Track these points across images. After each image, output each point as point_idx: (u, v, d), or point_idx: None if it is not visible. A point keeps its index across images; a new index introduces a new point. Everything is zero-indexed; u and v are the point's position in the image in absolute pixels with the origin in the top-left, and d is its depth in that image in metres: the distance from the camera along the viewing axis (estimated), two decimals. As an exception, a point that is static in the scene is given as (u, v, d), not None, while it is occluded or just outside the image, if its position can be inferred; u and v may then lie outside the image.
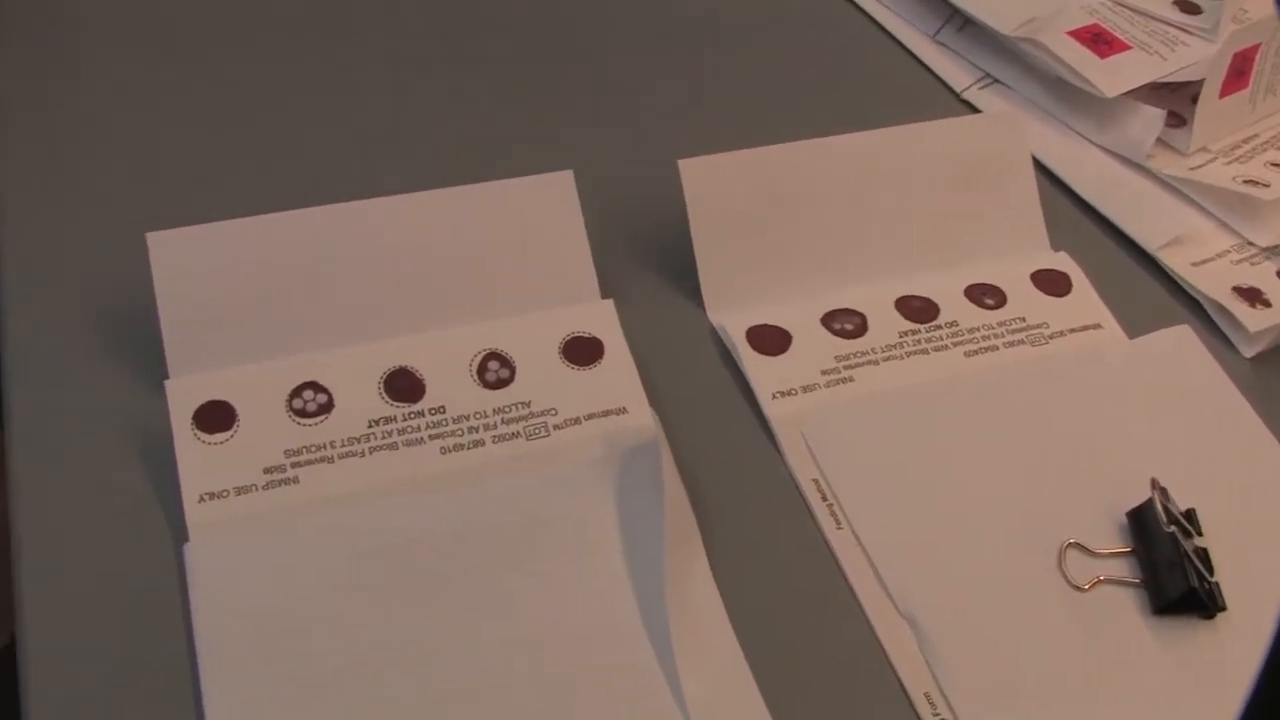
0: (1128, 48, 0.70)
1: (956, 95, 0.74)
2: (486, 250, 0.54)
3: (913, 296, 0.59)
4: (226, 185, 0.62)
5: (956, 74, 0.75)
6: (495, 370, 0.52)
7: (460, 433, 0.51)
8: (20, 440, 0.50)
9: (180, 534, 0.47)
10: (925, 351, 0.57)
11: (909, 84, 0.75)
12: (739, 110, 0.71)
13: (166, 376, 0.50)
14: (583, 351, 0.54)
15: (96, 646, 0.44)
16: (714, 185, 0.57)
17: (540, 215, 0.55)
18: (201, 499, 0.47)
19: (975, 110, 0.73)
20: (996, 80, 0.74)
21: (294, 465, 0.49)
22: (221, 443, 0.49)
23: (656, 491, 0.48)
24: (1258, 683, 0.27)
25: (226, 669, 0.43)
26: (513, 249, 0.54)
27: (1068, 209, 0.67)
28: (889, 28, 0.78)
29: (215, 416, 0.49)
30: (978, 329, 0.58)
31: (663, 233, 0.60)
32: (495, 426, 0.51)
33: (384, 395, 0.51)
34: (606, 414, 0.52)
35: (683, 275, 0.59)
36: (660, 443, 0.49)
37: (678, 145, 0.59)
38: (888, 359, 0.56)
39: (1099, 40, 0.70)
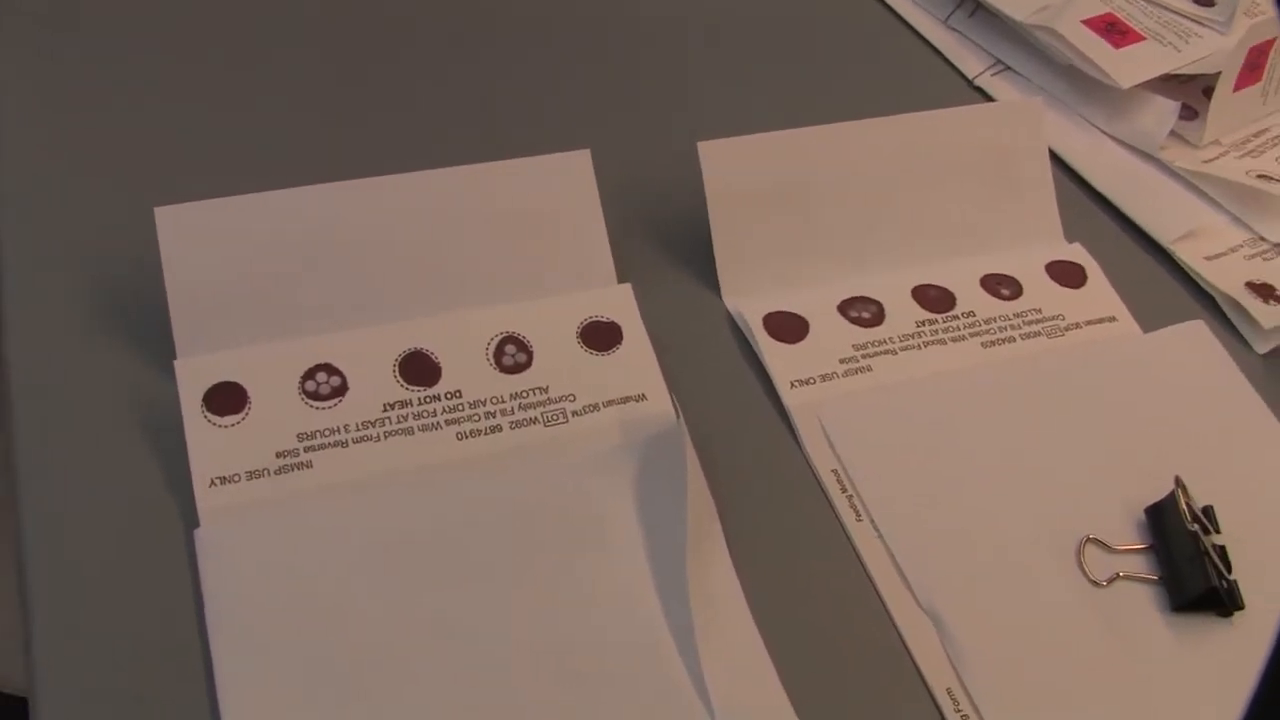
0: (1142, 38, 0.69)
1: (969, 82, 0.73)
2: (501, 231, 0.53)
3: (929, 285, 0.58)
4: (235, 162, 0.60)
5: (968, 60, 0.74)
6: (512, 354, 0.51)
7: (477, 418, 0.50)
8: (24, 424, 0.48)
9: (191, 519, 0.46)
10: (943, 341, 0.56)
11: (920, 69, 0.74)
12: (752, 94, 0.70)
13: (174, 357, 0.49)
14: (601, 336, 0.53)
15: (106, 634, 0.43)
16: (733, 168, 0.56)
17: (556, 195, 0.54)
18: (212, 483, 0.46)
19: (987, 97, 0.72)
20: (1008, 67, 0.74)
21: (307, 449, 0.48)
22: (233, 425, 0.48)
23: (676, 480, 0.47)
24: (1260, 685, 0.27)
25: (240, 655, 0.42)
26: (528, 230, 0.53)
27: (1080, 199, 0.67)
28: (899, 11, 0.77)
29: (226, 398, 0.48)
30: (994, 319, 0.58)
31: (675, 217, 0.60)
32: (512, 412, 0.50)
33: (399, 378, 0.50)
34: (625, 400, 0.51)
35: (695, 260, 0.58)
36: (682, 431, 0.48)
37: (688, 129, 0.58)
38: (905, 348, 0.56)
39: (1113, 29, 0.70)
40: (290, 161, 0.61)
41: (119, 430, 0.49)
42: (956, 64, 0.74)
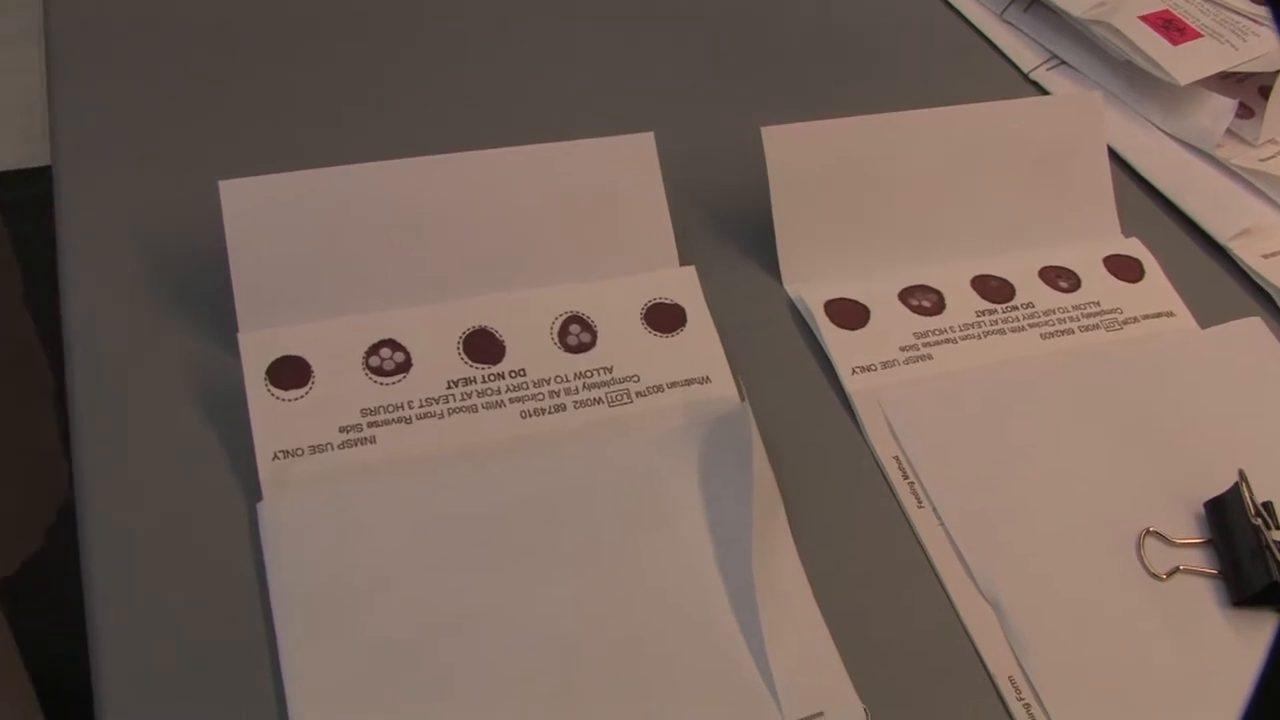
0: (1199, 35, 0.69)
1: (1024, 75, 0.73)
2: (564, 211, 0.53)
3: (989, 276, 0.58)
4: (301, 136, 0.60)
5: (1024, 53, 0.74)
6: (576, 334, 0.51)
7: (541, 396, 0.50)
8: (86, 397, 0.49)
9: (253, 492, 0.46)
10: (1002, 332, 0.56)
11: (976, 62, 0.74)
12: (813, 83, 0.70)
13: (237, 331, 0.49)
14: (665, 318, 0.53)
15: (169, 606, 0.43)
16: (796, 154, 0.56)
17: (620, 177, 0.54)
18: (275, 457, 0.46)
19: (1042, 91, 0.72)
20: (1064, 62, 0.73)
21: (371, 425, 0.48)
22: (296, 399, 0.48)
23: (741, 462, 0.47)
24: (1259, 684, 0.27)
25: (302, 628, 0.42)
26: (592, 210, 0.53)
27: (1135, 195, 0.67)
28: (955, 4, 0.77)
29: (290, 372, 0.48)
30: (1053, 311, 0.58)
31: (735, 201, 0.60)
32: (577, 391, 0.50)
33: (463, 356, 0.50)
34: (689, 383, 0.51)
35: (757, 245, 0.58)
36: (747, 414, 0.48)
37: (748, 116, 0.58)
38: (966, 338, 0.56)
39: (1170, 26, 0.69)
40: (354, 138, 0.61)
41: (181, 403, 0.49)
42: (1012, 58, 0.74)
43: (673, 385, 0.51)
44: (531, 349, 0.51)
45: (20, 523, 0.83)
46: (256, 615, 0.43)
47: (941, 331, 0.56)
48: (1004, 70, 0.74)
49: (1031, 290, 0.58)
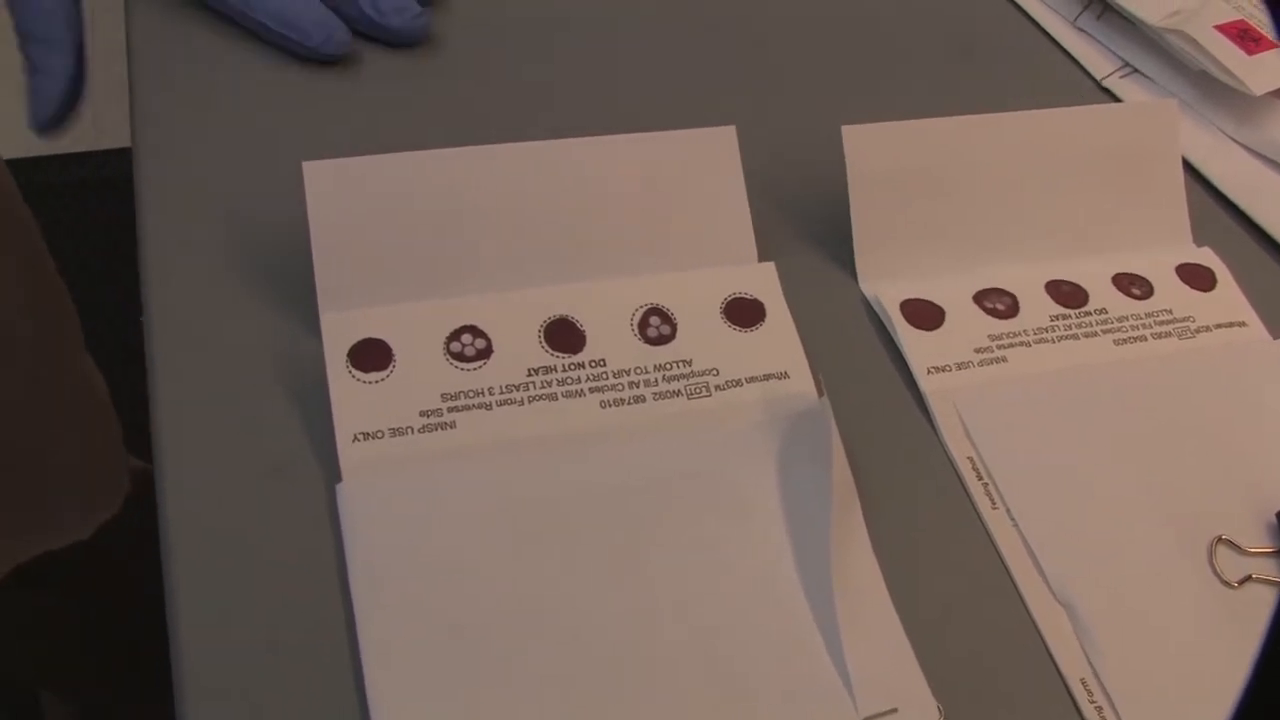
0: (1275, 46, 0.69)
1: (1097, 83, 0.73)
2: (645, 202, 0.53)
3: (1062, 281, 0.58)
4: (384, 120, 0.61)
5: (1097, 61, 0.74)
6: (656, 326, 0.52)
7: (621, 387, 0.50)
8: (165, 376, 0.49)
9: (333, 474, 0.46)
10: (1076, 337, 0.56)
11: (1049, 69, 0.74)
12: (889, 86, 0.70)
13: (317, 313, 0.49)
14: (744, 313, 0.53)
15: (248, 586, 0.43)
16: (875, 154, 0.56)
17: (701, 170, 0.54)
18: (355, 439, 0.47)
19: (1115, 98, 0.72)
20: (1136, 70, 0.73)
21: (451, 410, 0.48)
22: (377, 382, 0.48)
23: (818, 458, 0.47)
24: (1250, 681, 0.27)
25: (381, 609, 0.43)
26: (671, 203, 0.53)
27: (1207, 204, 0.67)
28: (1029, 10, 0.77)
29: (371, 355, 0.48)
30: (1126, 318, 0.58)
31: (813, 198, 0.60)
32: (656, 383, 0.50)
33: (544, 344, 0.50)
34: (768, 378, 0.51)
35: (833, 242, 0.58)
36: (826, 410, 0.48)
37: (824, 115, 0.58)
38: (1039, 341, 0.56)
39: (1246, 36, 0.69)
40: (437, 124, 0.61)
41: (262, 384, 0.49)
42: (1085, 65, 0.74)
43: (751, 380, 0.51)
44: (612, 339, 0.51)
45: (92, 479, 0.82)
46: (335, 596, 0.43)
47: (1016, 335, 0.56)
48: (1077, 77, 0.74)
49: (1105, 296, 0.58)
